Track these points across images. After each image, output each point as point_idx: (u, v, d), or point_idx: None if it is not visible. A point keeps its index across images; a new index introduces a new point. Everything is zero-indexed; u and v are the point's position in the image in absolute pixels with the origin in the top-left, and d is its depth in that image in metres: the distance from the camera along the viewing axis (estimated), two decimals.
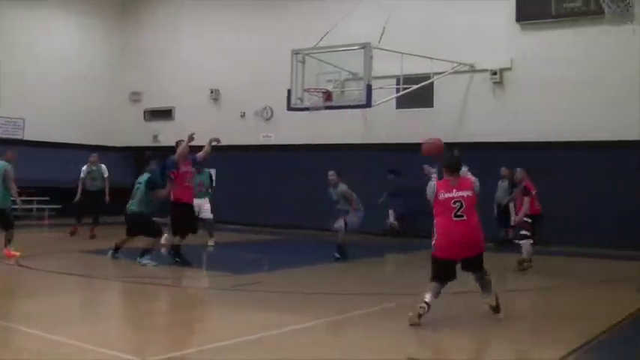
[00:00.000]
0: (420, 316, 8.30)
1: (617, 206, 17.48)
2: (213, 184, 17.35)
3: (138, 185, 13.48)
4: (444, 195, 8.61)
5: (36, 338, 7.53)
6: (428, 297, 8.42)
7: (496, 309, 8.76)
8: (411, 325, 8.28)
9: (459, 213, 8.54)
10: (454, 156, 8.97)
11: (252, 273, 12.96)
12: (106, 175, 18.20)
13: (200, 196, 16.50)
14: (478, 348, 8.19)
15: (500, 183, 18.22)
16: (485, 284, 8.83)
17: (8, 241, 13.67)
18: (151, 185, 13.27)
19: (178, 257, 13.26)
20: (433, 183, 8.79)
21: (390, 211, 20.08)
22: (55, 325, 8.18)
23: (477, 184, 8.85)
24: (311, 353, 7.36)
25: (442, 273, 8.63)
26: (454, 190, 8.61)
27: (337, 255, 14.84)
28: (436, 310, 8.56)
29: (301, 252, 17.78)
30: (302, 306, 9.83)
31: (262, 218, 22.48)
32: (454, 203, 8.56)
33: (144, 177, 13.49)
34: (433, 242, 8.67)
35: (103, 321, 9.01)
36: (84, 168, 18.12)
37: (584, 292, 11.71)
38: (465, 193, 8.62)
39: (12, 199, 13.85)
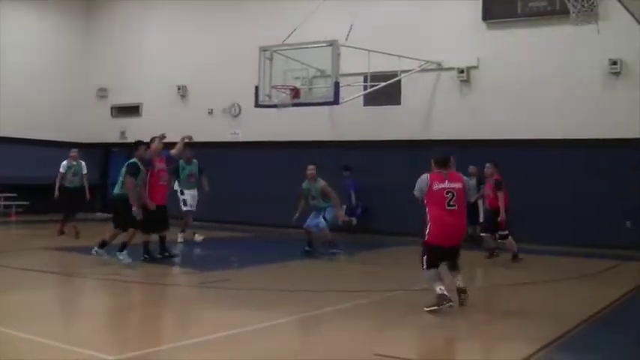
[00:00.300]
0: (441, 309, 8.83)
1: (579, 204, 17.75)
2: (204, 174, 17.26)
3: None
4: (437, 186, 9.09)
5: (7, 337, 7.46)
6: (442, 288, 8.91)
7: (464, 290, 9.25)
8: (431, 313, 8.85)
9: (451, 203, 9.08)
10: (443, 152, 9.51)
11: (222, 270, 12.95)
12: (85, 172, 17.66)
13: (191, 187, 16.71)
14: (448, 344, 8.26)
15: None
16: (456, 267, 9.42)
17: None
18: (129, 169, 12.88)
19: (147, 254, 13.34)
20: (425, 176, 9.23)
21: (343, 207, 20.13)
22: (26, 323, 8.11)
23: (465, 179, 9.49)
24: (285, 350, 7.41)
25: (435, 257, 9.15)
26: (446, 182, 9.14)
27: (334, 250, 15.12)
28: (406, 307, 8.66)
29: (270, 249, 17.75)
30: (274, 303, 9.87)
31: (231, 215, 22.40)
32: (447, 194, 9.09)
33: (130, 161, 13.18)
34: (426, 231, 9.15)
35: (75, 319, 8.98)
36: (64, 163, 17.50)
37: (557, 289, 11.86)
38: (456, 185, 9.16)
39: None
